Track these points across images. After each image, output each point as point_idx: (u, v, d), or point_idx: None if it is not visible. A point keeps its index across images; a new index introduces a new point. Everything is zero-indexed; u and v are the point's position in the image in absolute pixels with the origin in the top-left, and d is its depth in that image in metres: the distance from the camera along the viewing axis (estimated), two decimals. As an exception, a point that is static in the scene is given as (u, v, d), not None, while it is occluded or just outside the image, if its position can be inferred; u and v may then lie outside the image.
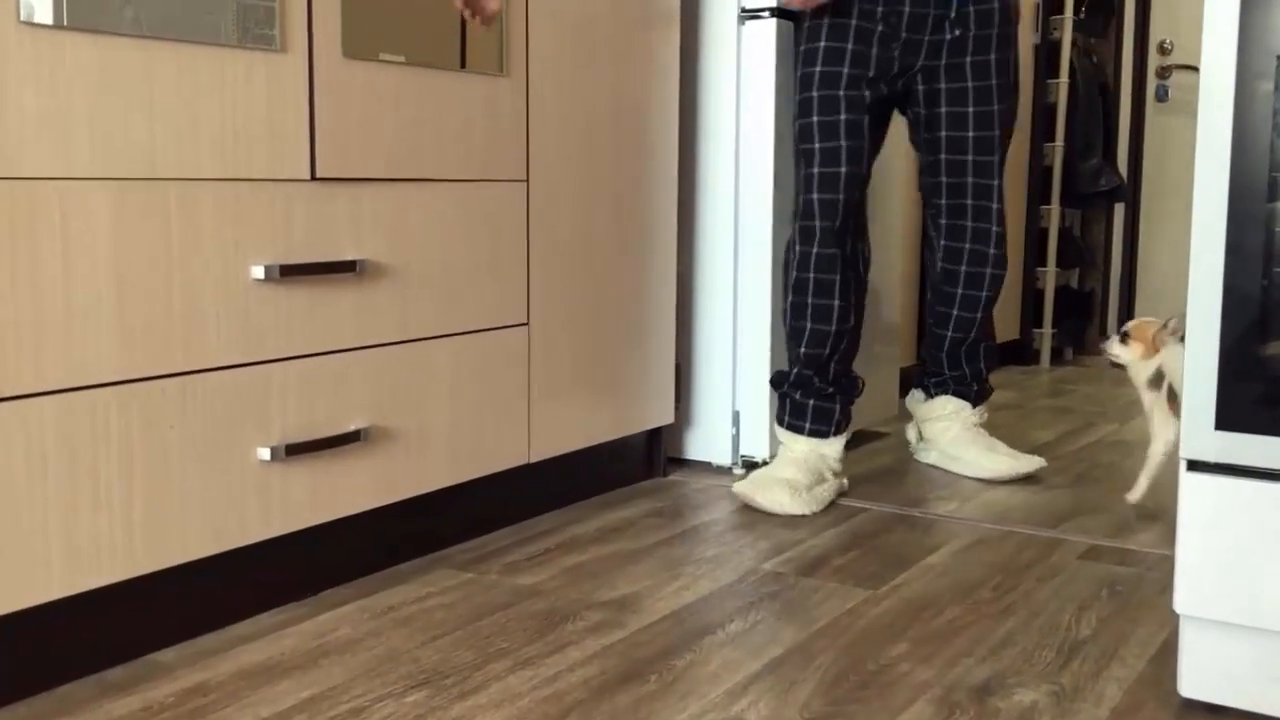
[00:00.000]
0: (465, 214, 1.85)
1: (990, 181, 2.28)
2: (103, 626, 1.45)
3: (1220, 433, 1.29)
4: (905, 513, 2.17)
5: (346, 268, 1.64)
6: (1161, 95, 4.27)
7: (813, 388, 2.26)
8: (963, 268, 2.35)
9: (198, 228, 1.47)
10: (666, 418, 2.38)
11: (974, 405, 2.46)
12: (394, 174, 1.72)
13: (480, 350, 1.90)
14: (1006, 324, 3.86)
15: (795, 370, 2.27)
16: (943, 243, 2.36)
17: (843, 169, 2.16)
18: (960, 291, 2.36)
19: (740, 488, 2.20)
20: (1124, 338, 2.16)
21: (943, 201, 2.32)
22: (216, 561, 1.54)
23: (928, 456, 2.53)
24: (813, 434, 2.26)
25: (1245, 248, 1.27)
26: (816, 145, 2.18)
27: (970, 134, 2.26)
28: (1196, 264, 1.30)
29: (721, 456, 2.48)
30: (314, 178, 1.60)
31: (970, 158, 2.27)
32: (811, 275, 2.21)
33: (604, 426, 2.21)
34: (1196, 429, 1.31)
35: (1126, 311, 4.30)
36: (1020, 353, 4.06)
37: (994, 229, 2.31)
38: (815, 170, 2.18)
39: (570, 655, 1.51)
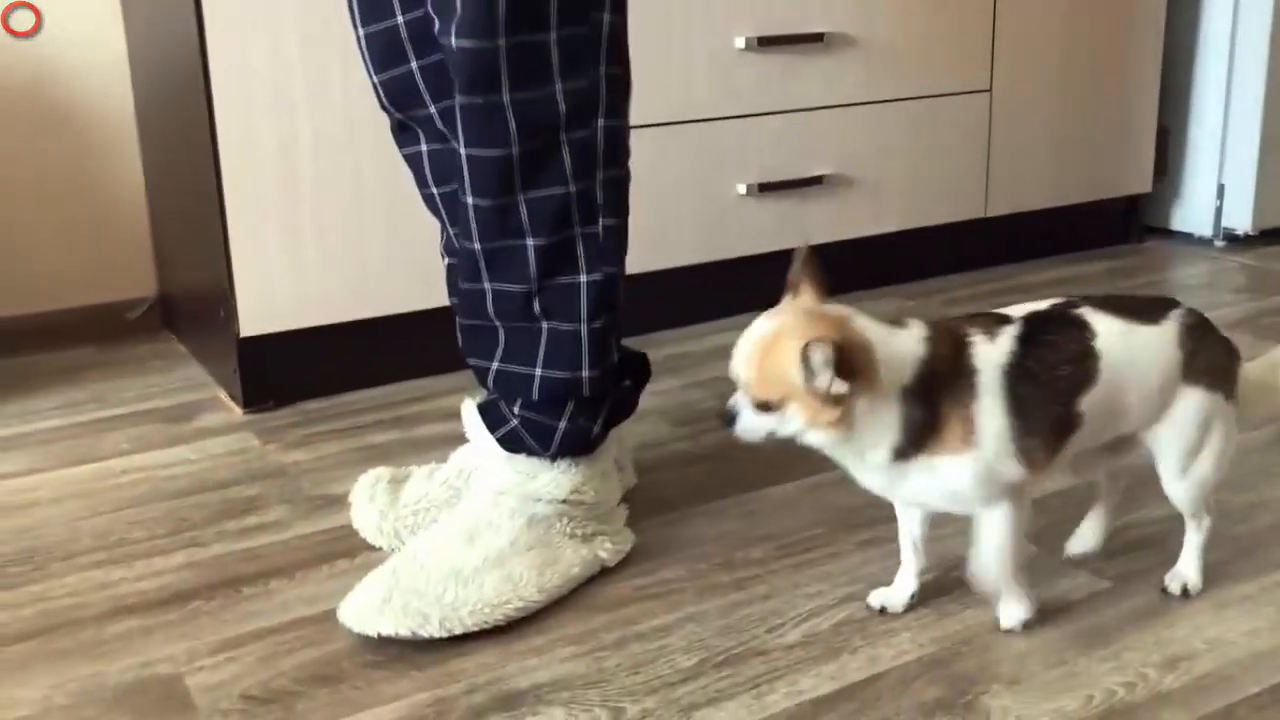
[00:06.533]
0: (930, -11, 2.10)
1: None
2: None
3: None
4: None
5: (815, 39, 1.99)
6: None
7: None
8: None
9: (691, 4, 1.89)
10: (1143, 185, 2.48)
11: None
12: (861, -44, 2.02)
13: (939, 113, 2.17)
14: None
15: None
16: None
17: None
18: None
19: None
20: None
21: None
22: (702, 268, 2.02)
23: None
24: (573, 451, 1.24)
25: None
26: None
27: None
28: None
29: (1203, 227, 2.53)
30: (789, -38, 1.96)
31: None
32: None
33: (1068, 189, 2.38)
34: None
35: None
36: None
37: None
38: None
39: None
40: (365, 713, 1.01)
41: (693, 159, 1.95)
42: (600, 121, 1.16)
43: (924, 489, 1.03)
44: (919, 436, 1.00)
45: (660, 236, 1.94)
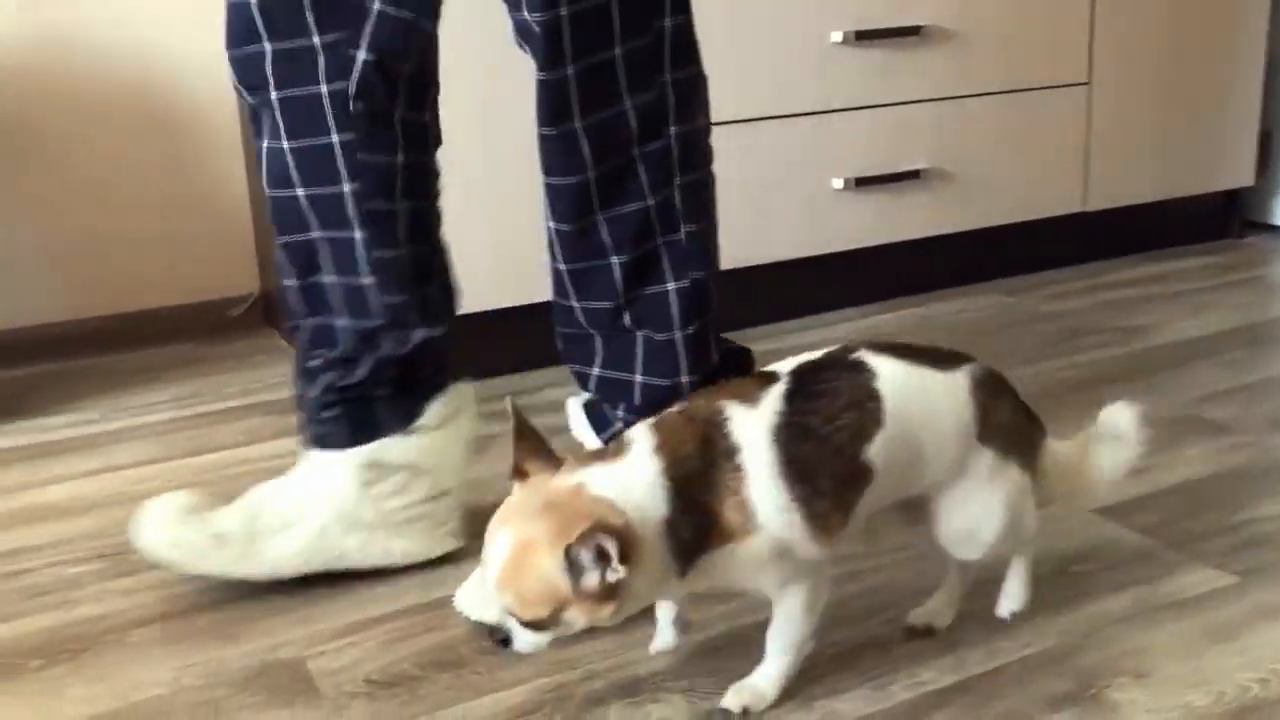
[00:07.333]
0: (1029, -19, 2.07)
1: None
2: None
3: None
4: None
5: (912, 32, 1.97)
6: None
7: None
8: None
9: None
10: (1244, 180, 2.42)
11: None
12: (959, -52, 1.99)
13: (1037, 107, 2.14)
14: None
15: None
16: None
17: None
18: None
19: None
20: None
21: None
22: (799, 263, 2.01)
23: None
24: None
25: None
26: None
27: None
28: None
29: (1308, 222, 2.47)
30: (887, -45, 1.94)
31: None
32: None
33: (1168, 183, 2.33)
34: None
35: None
36: None
37: None
38: None
39: (1075, 359, 1.79)
40: (487, 697, 1.02)
41: (789, 153, 1.94)
42: (672, 129, 1.16)
43: (721, 581, 0.93)
44: (697, 543, 0.89)
45: (757, 231, 1.94)
